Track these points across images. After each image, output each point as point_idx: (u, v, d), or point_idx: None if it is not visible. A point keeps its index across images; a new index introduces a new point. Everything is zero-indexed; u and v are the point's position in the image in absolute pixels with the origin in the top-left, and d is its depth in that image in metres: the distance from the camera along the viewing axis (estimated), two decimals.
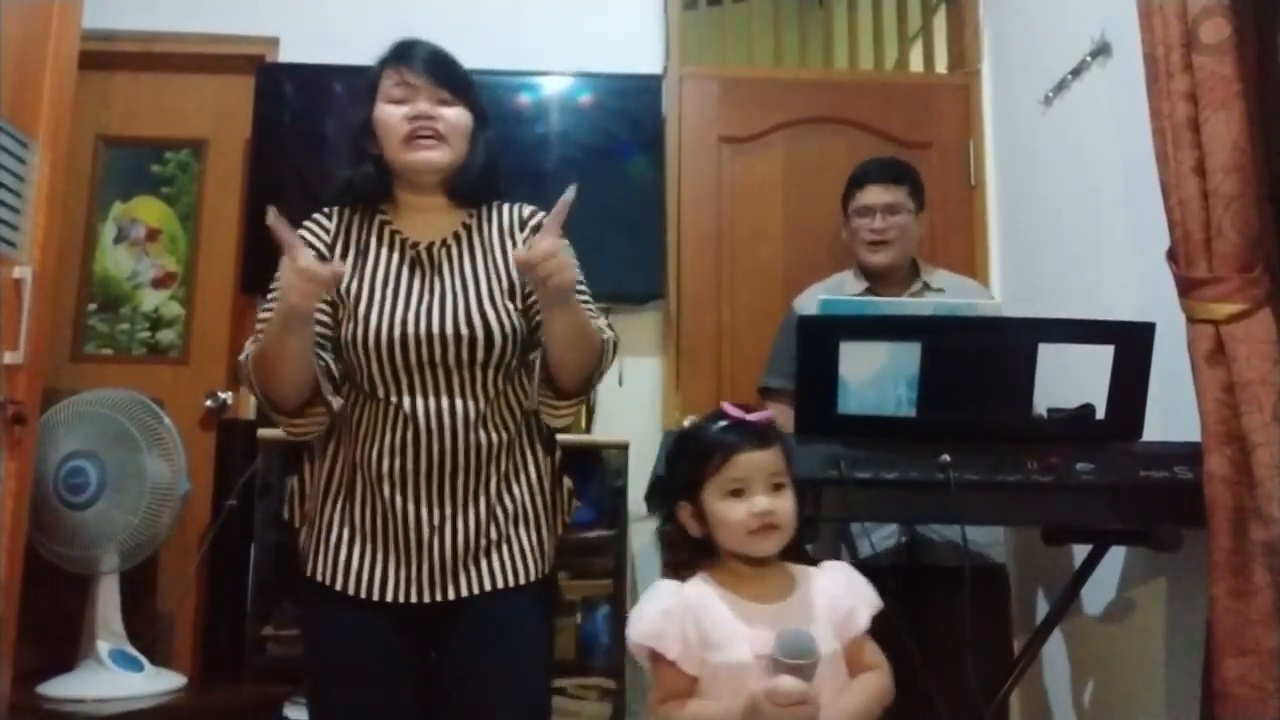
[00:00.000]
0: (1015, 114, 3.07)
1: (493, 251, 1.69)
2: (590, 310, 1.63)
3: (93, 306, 3.19)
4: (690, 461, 1.44)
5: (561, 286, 1.46)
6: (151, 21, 3.22)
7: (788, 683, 1.25)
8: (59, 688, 2.41)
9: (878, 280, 2.54)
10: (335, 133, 3.06)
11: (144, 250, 3.22)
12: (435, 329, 1.58)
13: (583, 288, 1.62)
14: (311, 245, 1.65)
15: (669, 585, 1.44)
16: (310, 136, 3.13)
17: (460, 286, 1.63)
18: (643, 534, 3.00)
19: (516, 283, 1.65)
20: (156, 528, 2.57)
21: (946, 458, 1.75)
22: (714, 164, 3.23)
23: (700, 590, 1.41)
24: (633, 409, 3.06)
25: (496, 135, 1.75)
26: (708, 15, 3.52)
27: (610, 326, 1.66)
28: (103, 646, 2.47)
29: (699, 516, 1.43)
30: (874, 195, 2.52)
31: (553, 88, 3.17)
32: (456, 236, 1.68)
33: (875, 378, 1.85)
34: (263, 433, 2.79)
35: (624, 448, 2.83)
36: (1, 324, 2.08)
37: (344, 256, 1.66)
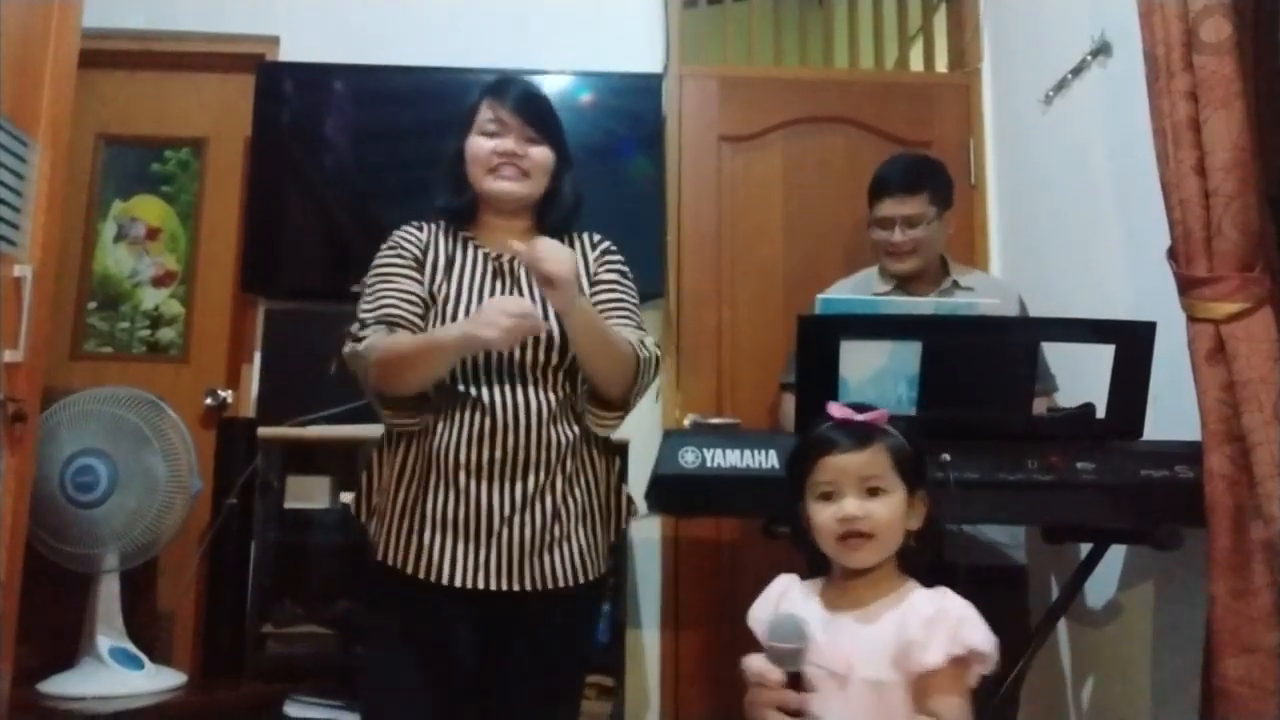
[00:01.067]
0: (1015, 113, 3.08)
1: None
2: (629, 323, 1.77)
3: (93, 305, 3.19)
4: (794, 462, 1.42)
5: (553, 275, 1.54)
6: (151, 20, 3.22)
7: (754, 661, 1.25)
8: (59, 685, 2.41)
9: (905, 279, 2.51)
10: (350, 142, 3.09)
11: (144, 249, 3.22)
12: None
13: (624, 302, 1.80)
14: (405, 249, 1.78)
15: (786, 577, 1.46)
16: (310, 135, 3.13)
17: (541, 295, 1.70)
18: (643, 533, 3.00)
19: (586, 294, 1.76)
20: (165, 526, 2.58)
21: (947, 457, 1.75)
22: (714, 163, 3.23)
23: (806, 589, 1.41)
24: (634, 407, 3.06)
25: (575, 178, 1.90)
26: (708, 14, 3.51)
27: (654, 345, 1.76)
28: (103, 644, 2.47)
29: (806, 519, 1.39)
30: (891, 208, 2.46)
31: (553, 86, 3.16)
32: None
33: (875, 377, 1.86)
34: (263, 431, 2.79)
35: (624, 447, 2.83)
36: (1, 322, 2.08)
37: (434, 264, 1.78)
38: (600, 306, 1.76)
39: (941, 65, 3.48)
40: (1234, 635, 1.70)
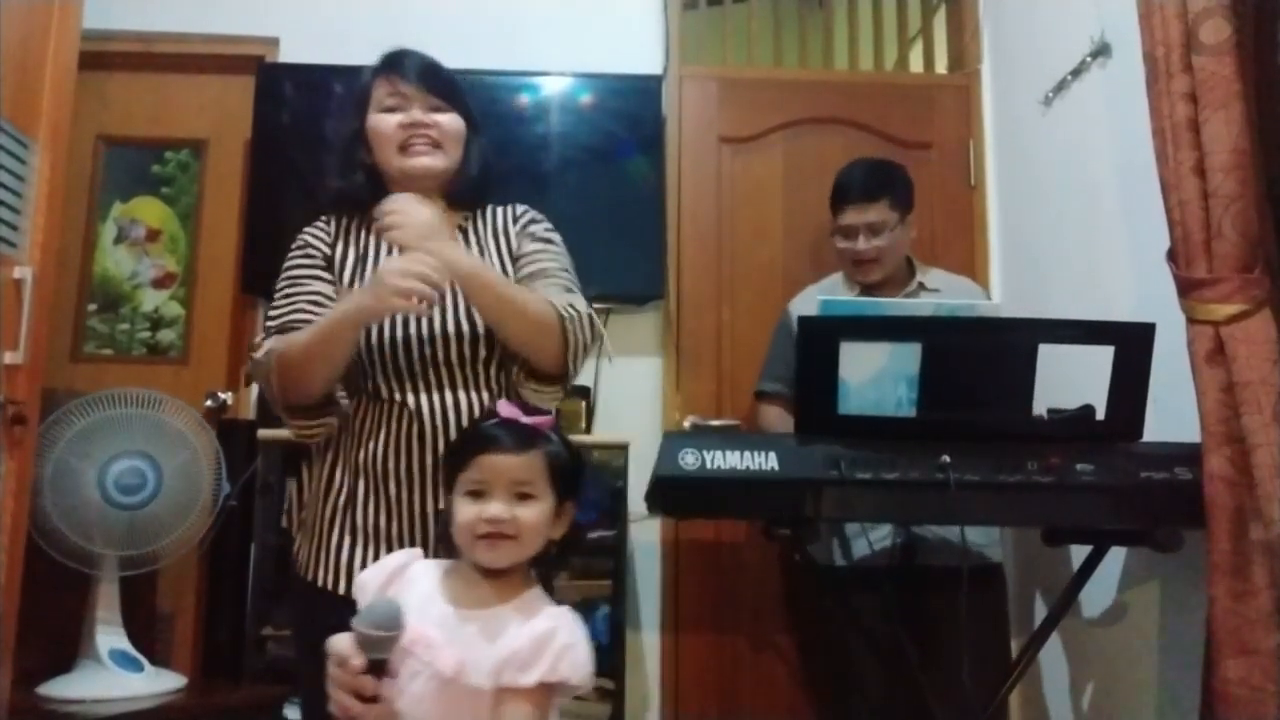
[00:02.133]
0: (1015, 114, 3.08)
1: (488, 251, 1.72)
2: (557, 287, 1.65)
3: (93, 307, 3.19)
4: (451, 455, 1.38)
5: (397, 241, 1.51)
6: (151, 22, 3.22)
7: (341, 644, 1.21)
8: (59, 688, 2.41)
9: (870, 287, 2.53)
10: (330, 141, 3.08)
11: (144, 250, 3.22)
12: (437, 327, 1.60)
13: (549, 269, 1.68)
14: (313, 248, 1.69)
15: (408, 550, 1.39)
16: (310, 136, 3.11)
17: (455, 290, 1.63)
18: (643, 534, 3.00)
19: (512, 280, 1.67)
20: (194, 529, 2.65)
21: (947, 458, 1.75)
22: (714, 164, 3.23)
23: (428, 568, 1.35)
24: (632, 409, 3.06)
25: (489, 139, 1.79)
26: (707, 15, 3.51)
27: (585, 305, 1.63)
28: (103, 647, 2.47)
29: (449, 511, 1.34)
30: (853, 216, 2.47)
31: (552, 88, 3.17)
32: (453, 238, 1.70)
33: (875, 378, 1.86)
34: (263, 433, 2.79)
35: (624, 448, 2.83)
36: (1, 324, 2.08)
37: (343, 260, 1.69)
38: (524, 279, 1.66)
39: (941, 66, 3.49)
40: (1234, 637, 1.70)
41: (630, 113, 3.17)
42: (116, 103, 3.25)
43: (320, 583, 1.60)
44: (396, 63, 1.71)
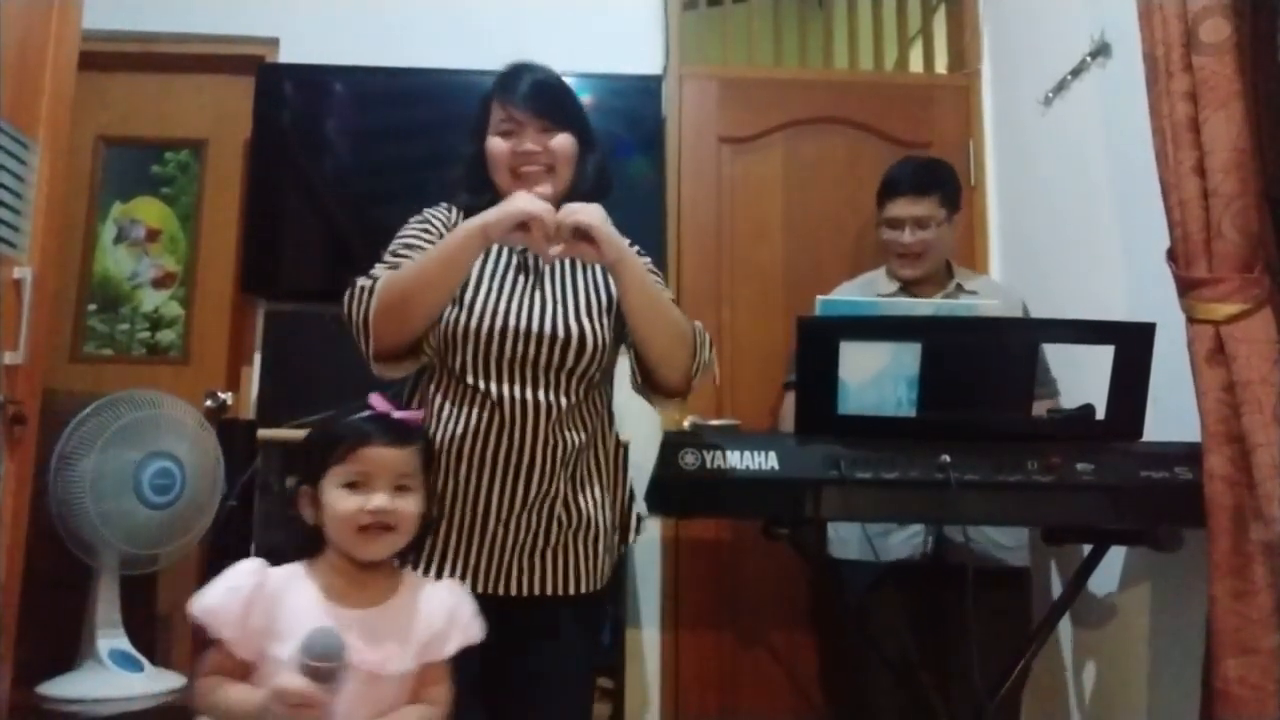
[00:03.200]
0: (1015, 114, 3.08)
1: (593, 267, 1.75)
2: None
3: (93, 307, 3.19)
4: (322, 445, 1.37)
5: (586, 224, 1.51)
6: (151, 22, 3.22)
7: (294, 681, 1.20)
8: (59, 687, 2.41)
9: (911, 282, 2.52)
10: (350, 143, 3.08)
11: (144, 250, 3.22)
12: (535, 327, 1.63)
13: (656, 272, 1.73)
14: (433, 227, 1.74)
15: (252, 564, 1.37)
16: (310, 137, 3.13)
17: (561, 294, 1.69)
18: (643, 534, 2.99)
19: (612, 299, 1.71)
20: (203, 528, 2.72)
21: (947, 458, 1.75)
22: (714, 164, 3.22)
23: (288, 578, 1.34)
24: (632, 409, 3.04)
25: (603, 152, 1.85)
26: (707, 15, 3.51)
27: (701, 325, 1.71)
28: (103, 646, 2.47)
29: (316, 504, 1.35)
30: (902, 208, 2.46)
31: None
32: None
33: (875, 378, 1.85)
34: (263, 433, 2.79)
35: (624, 448, 2.82)
36: (1, 324, 2.08)
37: None
38: None
39: (941, 66, 3.48)
40: (1234, 636, 1.70)
41: (630, 112, 3.17)
42: (116, 103, 3.25)
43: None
44: (510, 85, 1.74)
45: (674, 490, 1.82)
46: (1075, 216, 2.65)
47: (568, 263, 1.73)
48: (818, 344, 1.81)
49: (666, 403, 1.72)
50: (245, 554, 2.75)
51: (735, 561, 2.97)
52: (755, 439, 1.87)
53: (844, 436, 1.79)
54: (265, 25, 3.25)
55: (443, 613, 1.35)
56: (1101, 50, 2.50)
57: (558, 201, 1.71)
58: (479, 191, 1.75)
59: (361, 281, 1.61)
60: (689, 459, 1.77)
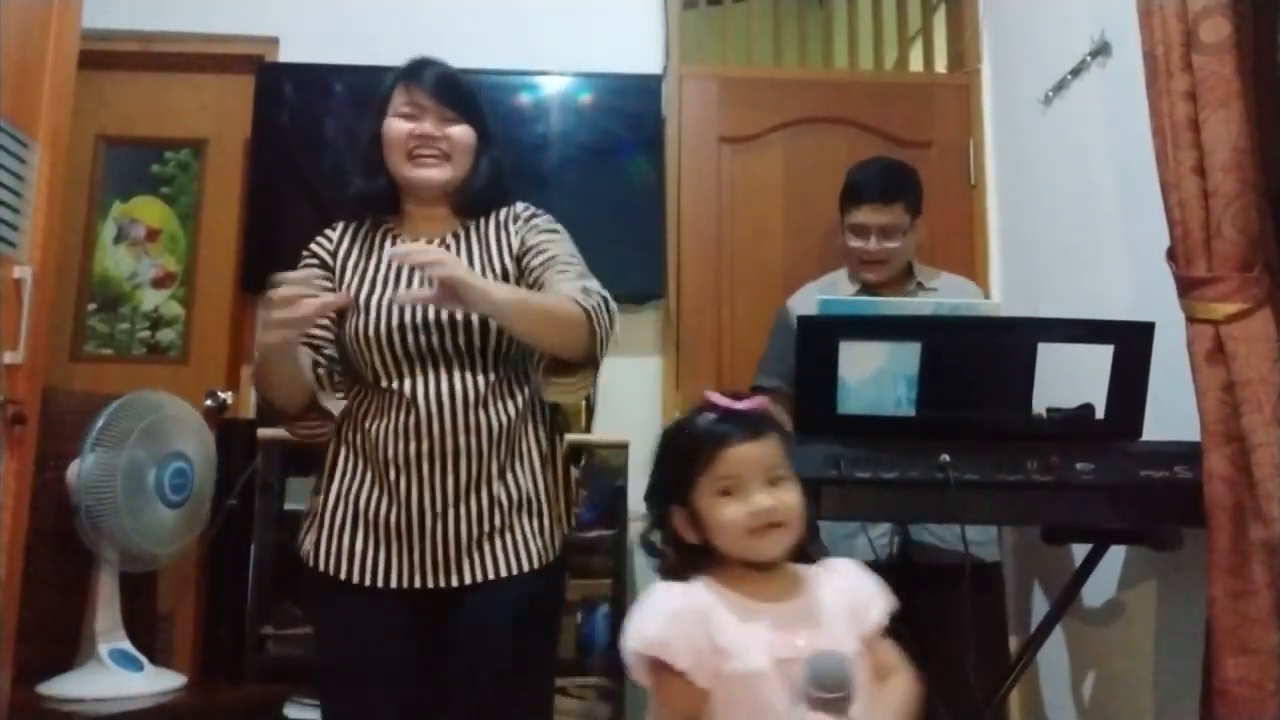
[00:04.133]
0: (1015, 113, 3.07)
1: (488, 244, 1.76)
2: (568, 275, 1.68)
3: (92, 306, 3.19)
4: (678, 460, 1.32)
5: (445, 275, 1.44)
6: (151, 21, 3.22)
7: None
8: (59, 687, 2.40)
9: (869, 286, 2.53)
10: (349, 142, 3.08)
11: (144, 250, 3.22)
12: (432, 316, 1.63)
13: (557, 257, 1.71)
14: (314, 258, 1.77)
15: (674, 587, 1.28)
16: (310, 136, 3.13)
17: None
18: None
19: (511, 270, 1.72)
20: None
21: (946, 457, 1.75)
22: (714, 164, 3.23)
23: (705, 593, 1.26)
24: (633, 408, 3.06)
25: (501, 151, 1.83)
26: (707, 15, 3.52)
27: (598, 288, 1.66)
28: (103, 646, 2.47)
29: (694, 520, 1.29)
30: (868, 215, 2.46)
31: (552, 87, 3.18)
32: (455, 236, 1.77)
33: (875, 377, 1.85)
34: (263, 432, 2.79)
35: (624, 447, 2.83)
36: (1, 324, 2.08)
37: (344, 264, 1.75)
38: (536, 270, 1.70)
39: (941, 66, 3.48)
40: (1234, 636, 1.70)
41: (630, 112, 3.17)
42: (116, 102, 3.25)
43: (322, 567, 1.64)
44: (416, 73, 1.75)
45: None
46: (1075, 216, 2.65)
47: (460, 245, 1.75)
48: (818, 343, 1.81)
49: (570, 382, 1.65)
50: (245, 554, 2.80)
51: None
52: None
53: (843, 436, 1.79)
54: (265, 24, 3.25)
55: (851, 586, 1.29)
56: (1101, 49, 2.50)
57: (453, 191, 1.75)
58: (373, 175, 1.77)
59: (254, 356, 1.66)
60: None
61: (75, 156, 2.75)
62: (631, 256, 3.04)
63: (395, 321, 1.63)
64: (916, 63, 3.55)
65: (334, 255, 1.77)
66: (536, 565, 1.66)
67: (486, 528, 1.62)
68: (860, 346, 1.83)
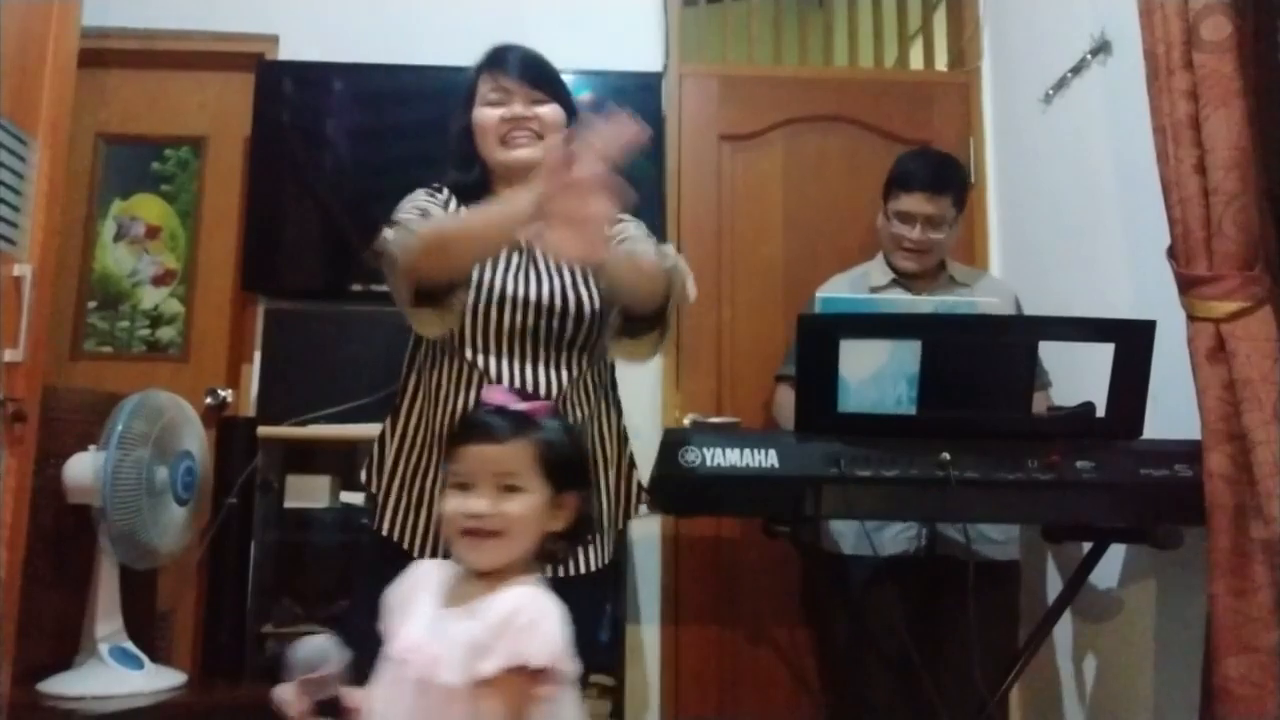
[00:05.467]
0: (1015, 112, 3.07)
1: None
2: (641, 238, 1.69)
3: (92, 304, 3.19)
4: (445, 445, 1.34)
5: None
6: (151, 19, 3.22)
7: (284, 692, 1.21)
8: (59, 685, 2.40)
9: (905, 275, 2.51)
10: (349, 140, 3.09)
11: (144, 248, 3.22)
12: (533, 296, 1.64)
13: (638, 229, 1.73)
14: (436, 199, 1.72)
15: (430, 564, 1.34)
16: (310, 134, 3.13)
17: (556, 266, 1.69)
18: (643, 531, 3.00)
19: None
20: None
21: (947, 455, 1.75)
22: (714, 162, 3.22)
23: (433, 571, 1.29)
24: (633, 407, 3.01)
25: None
26: (707, 13, 3.51)
27: (672, 251, 1.66)
28: (103, 644, 2.47)
29: None
30: (917, 204, 2.43)
31: None
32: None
33: (875, 376, 1.86)
34: (263, 430, 2.79)
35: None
36: (1, 321, 2.08)
37: None
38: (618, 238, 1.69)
39: (941, 64, 3.48)
40: (1234, 634, 1.70)
41: (630, 110, 3.16)
42: (116, 100, 3.25)
43: (390, 536, 1.66)
44: (499, 58, 1.75)
45: (674, 488, 1.82)
46: (1075, 214, 2.65)
47: None
48: (818, 341, 1.81)
49: (640, 344, 1.65)
50: (245, 553, 2.80)
51: (735, 558, 2.97)
52: (755, 437, 1.87)
53: (844, 434, 1.79)
54: (265, 22, 3.25)
55: (489, 624, 1.15)
56: (1102, 48, 2.50)
57: None
58: (466, 167, 1.76)
59: (394, 227, 1.57)
60: (690, 457, 1.77)
61: (75, 154, 2.75)
62: None
63: (495, 295, 1.62)
64: (917, 61, 3.55)
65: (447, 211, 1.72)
66: (595, 567, 1.68)
67: None
68: (861, 345, 1.84)
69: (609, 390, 1.78)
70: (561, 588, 1.59)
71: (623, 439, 1.80)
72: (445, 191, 1.77)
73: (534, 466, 1.24)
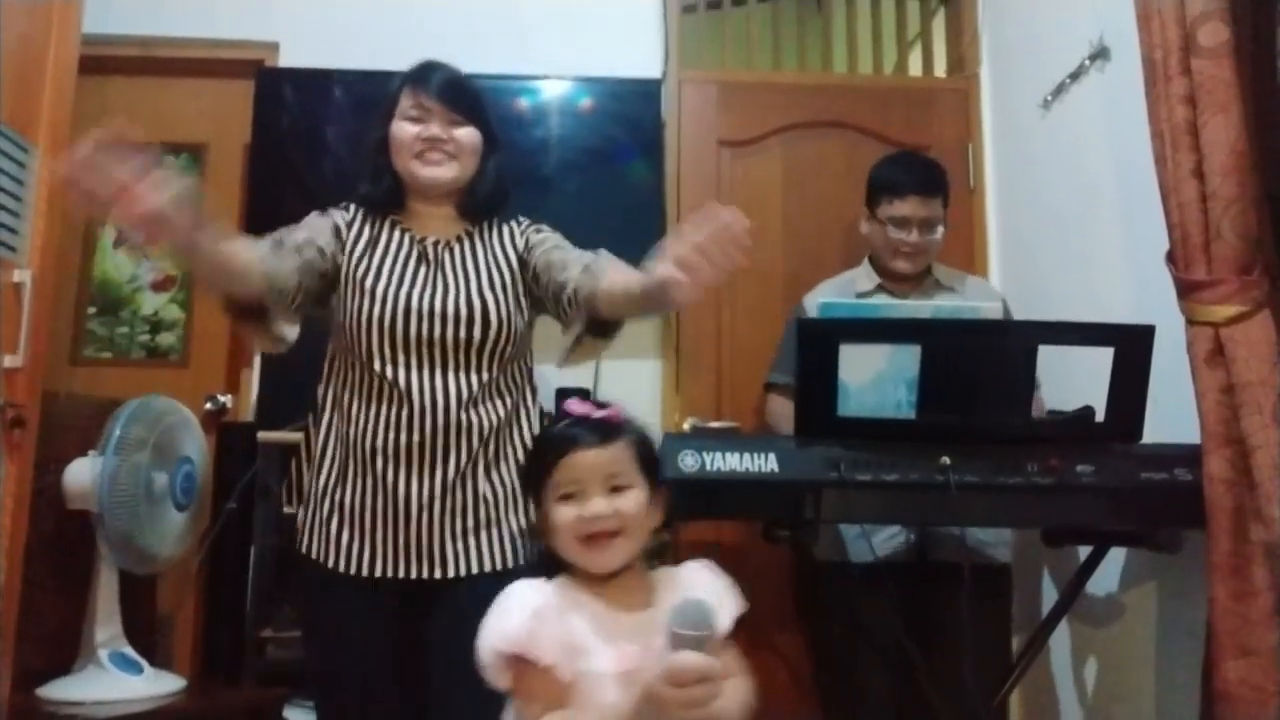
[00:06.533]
0: (1014, 117, 3.08)
1: (493, 250, 1.79)
2: (568, 249, 1.77)
3: (92, 310, 3.19)
4: (532, 465, 1.35)
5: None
6: (151, 26, 3.22)
7: (688, 659, 1.10)
8: (58, 690, 2.40)
9: (891, 279, 2.52)
10: (349, 147, 3.09)
11: (143, 253, 3.22)
12: (438, 306, 1.67)
13: (561, 244, 1.79)
14: (329, 216, 1.79)
15: (533, 584, 1.29)
16: (309, 141, 3.13)
17: (463, 276, 1.73)
18: None
19: (516, 272, 1.77)
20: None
21: (947, 460, 1.75)
22: (713, 167, 3.23)
23: (565, 591, 1.27)
24: (632, 411, 3.05)
25: (505, 157, 1.86)
26: (706, 19, 3.52)
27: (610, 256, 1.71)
28: (102, 649, 2.46)
29: (545, 525, 1.31)
30: (912, 208, 2.44)
31: (552, 92, 3.18)
32: (459, 239, 1.79)
33: (875, 380, 1.86)
34: (262, 435, 2.79)
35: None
36: (1, 327, 2.08)
37: (355, 242, 1.76)
38: (537, 251, 1.77)
39: (940, 70, 3.49)
40: (1234, 638, 1.70)
41: (630, 116, 3.17)
42: (116, 107, 3.24)
43: (313, 554, 1.67)
44: (423, 77, 1.77)
45: (673, 492, 1.81)
46: (1074, 220, 2.66)
47: (465, 246, 1.78)
48: (818, 346, 1.81)
49: (607, 341, 1.70)
50: (245, 556, 2.80)
51: (734, 563, 2.93)
52: (755, 441, 1.88)
53: (844, 439, 1.79)
54: (265, 29, 3.26)
55: (703, 594, 1.23)
56: (1100, 54, 2.51)
57: (458, 191, 1.77)
58: (378, 179, 1.79)
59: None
60: (689, 461, 1.77)
61: None
62: (631, 259, 2.97)
63: (400, 307, 1.65)
64: (915, 67, 3.56)
65: (348, 229, 1.78)
66: (521, 562, 1.67)
67: (471, 522, 1.65)
68: (861, 350, 1.84)
69: (526, 387, 1.80)
70: (482, 584, 1.57)
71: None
72: (352, 209, 1.80)
73: (634, 464, 1.30)
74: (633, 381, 3.08)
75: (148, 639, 2.73)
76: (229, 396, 3.12)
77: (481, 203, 1.81)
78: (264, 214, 3.11)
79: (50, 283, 2.29)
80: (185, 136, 3.27)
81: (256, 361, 3.10)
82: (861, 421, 1.81)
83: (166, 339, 3.19)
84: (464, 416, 1.65)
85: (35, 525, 2.25)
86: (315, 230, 1.74)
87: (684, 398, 3.09)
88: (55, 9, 2.28)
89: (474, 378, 1.67)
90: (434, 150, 1.74)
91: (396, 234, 1.78)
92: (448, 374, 1.66)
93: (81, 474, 2.41)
